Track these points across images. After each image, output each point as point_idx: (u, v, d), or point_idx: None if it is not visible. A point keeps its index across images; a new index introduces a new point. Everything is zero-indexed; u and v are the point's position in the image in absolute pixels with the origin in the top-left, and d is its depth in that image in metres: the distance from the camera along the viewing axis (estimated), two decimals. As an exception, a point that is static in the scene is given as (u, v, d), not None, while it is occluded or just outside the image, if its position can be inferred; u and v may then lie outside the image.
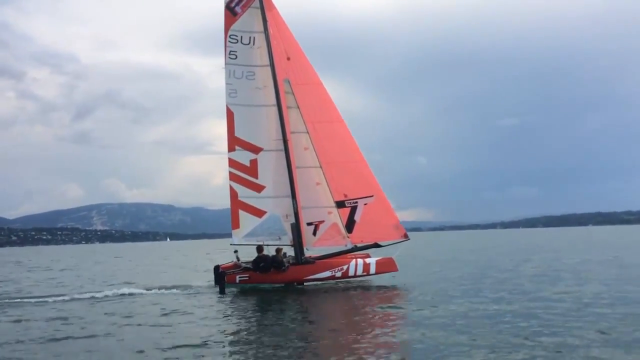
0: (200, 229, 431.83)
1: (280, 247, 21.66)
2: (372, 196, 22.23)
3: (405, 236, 22.40)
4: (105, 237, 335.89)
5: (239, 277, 21.21)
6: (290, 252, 21.93)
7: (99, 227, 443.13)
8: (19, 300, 20.32)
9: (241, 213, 22.05)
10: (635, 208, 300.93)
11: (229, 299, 19.37)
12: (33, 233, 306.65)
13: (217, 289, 20.97)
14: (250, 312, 16.66)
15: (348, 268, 21.45)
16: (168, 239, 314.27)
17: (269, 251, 21.51)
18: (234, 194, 22.13)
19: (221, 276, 20.85)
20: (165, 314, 15.93)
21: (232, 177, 22.16)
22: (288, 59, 22.46)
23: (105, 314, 16.33)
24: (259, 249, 21.41)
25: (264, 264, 20.95)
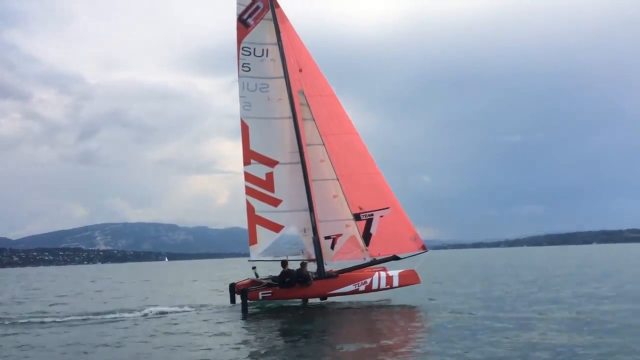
0: (203, 248, 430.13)
1: (306, 261, 21.14)
2: (387, 208, 21.84)
3: (423, 248, 21.99)
4: (107, 257, 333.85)
5: (262, 294, 20.62)
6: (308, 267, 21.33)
7: (102, 247, 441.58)
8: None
9: (258, 228, 21.59)
10: (639, 226, 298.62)
11: (252, 319, 18.49)
12: (35, 253, 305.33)
13: (232, 307, 20.40)
14: (274, 334, 15.65)
15: (371, 281, 21.00)
16: (166, 259, 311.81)
17: (292, 266, 20.99)
18: (250, 209, 21.70)
19: (244, 294, 19.99)
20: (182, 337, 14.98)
21: (249, 191, 21.76)
22: (300, 70, 22.23)
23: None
24: (284, 263, 20.89)
25: (290, 279, 20.42)
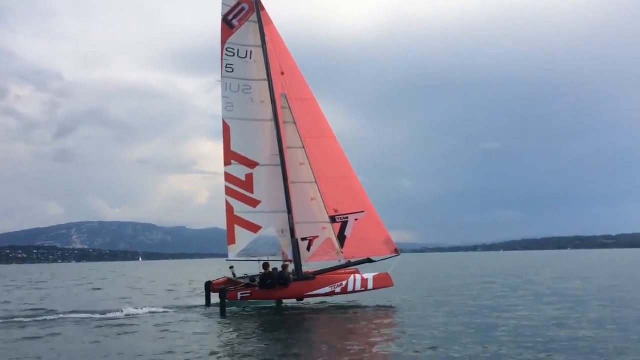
0: (181, 248, 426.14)
1: (287, 263, 21.38)
2: (362, 212, 22.28)
3: (396, 251, 22.48)
4: (82, 256, 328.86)
5: (241, 294, 20.74)
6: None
7: (78, 246, 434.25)
8: None
9: (237, 228, 21.76)
10: (613, 232, 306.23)
11: (231, 321, 18.36)
12: (8, 251, 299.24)
13: (206, 307, 20.45)
14: (254, 336, 15.48)
15: (347, 284, 21.41)
16: (140, 259, 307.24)
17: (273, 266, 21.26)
18: (230, 209, 21.86)
19: (223, 294, 19.83)
20: (163, 339, 14.63)
21: (228, 191, 21.94)
22: (282, 73, 22.52)
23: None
24: (266, 266, 21.08)
25: (271, 281, 20.63)
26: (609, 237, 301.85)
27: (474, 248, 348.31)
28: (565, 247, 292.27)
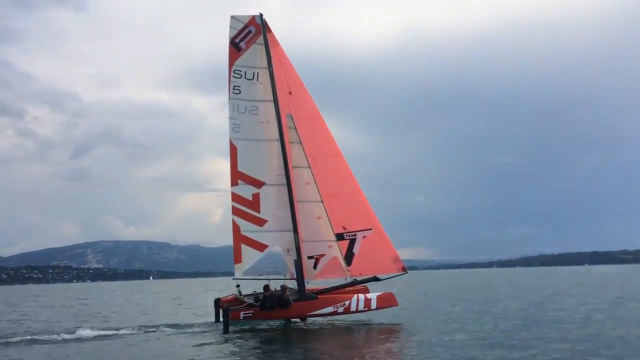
0: (196, 267, 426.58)
1: (286, 285, 21.47)
2: (370, 229, 22.40)
3: (404, 269, 22.54)
4: (97, 275, 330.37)
5: (244, 314, 20.98)
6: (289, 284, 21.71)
7: (94, 265, 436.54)
8: None
9: (243, 247, 22.04)
10: (631, 247, 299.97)
11: (234, 338, 18.67)
12: (24, 271, 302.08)
13: (216, 325, 20.59)
14: (255, 355, 15.71)
15: (350, 303, 21.45)
16: (151, 278, 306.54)
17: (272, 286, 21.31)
18: (236, 228, 22.16)
19: (225, 313, 20.25)
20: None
21: (235, 211, 22.25)
22: (290, 93, 22.88)
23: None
24: (266, 288, 21.23)
25: (271, 303, 20.78)
26: (626, 252, 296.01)
27: (490, 264, 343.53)
28: (582, 263, 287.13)
